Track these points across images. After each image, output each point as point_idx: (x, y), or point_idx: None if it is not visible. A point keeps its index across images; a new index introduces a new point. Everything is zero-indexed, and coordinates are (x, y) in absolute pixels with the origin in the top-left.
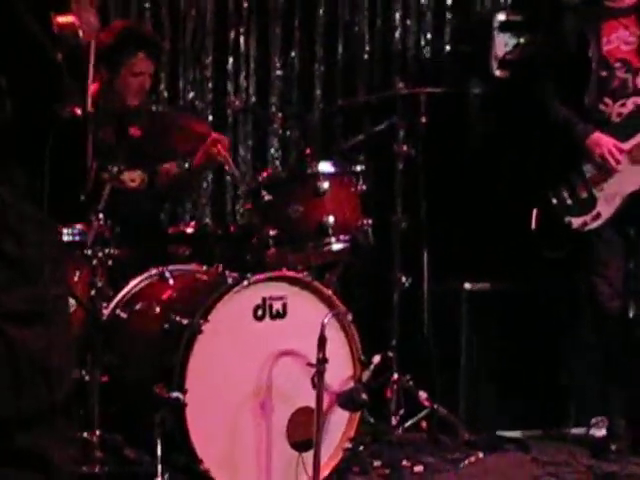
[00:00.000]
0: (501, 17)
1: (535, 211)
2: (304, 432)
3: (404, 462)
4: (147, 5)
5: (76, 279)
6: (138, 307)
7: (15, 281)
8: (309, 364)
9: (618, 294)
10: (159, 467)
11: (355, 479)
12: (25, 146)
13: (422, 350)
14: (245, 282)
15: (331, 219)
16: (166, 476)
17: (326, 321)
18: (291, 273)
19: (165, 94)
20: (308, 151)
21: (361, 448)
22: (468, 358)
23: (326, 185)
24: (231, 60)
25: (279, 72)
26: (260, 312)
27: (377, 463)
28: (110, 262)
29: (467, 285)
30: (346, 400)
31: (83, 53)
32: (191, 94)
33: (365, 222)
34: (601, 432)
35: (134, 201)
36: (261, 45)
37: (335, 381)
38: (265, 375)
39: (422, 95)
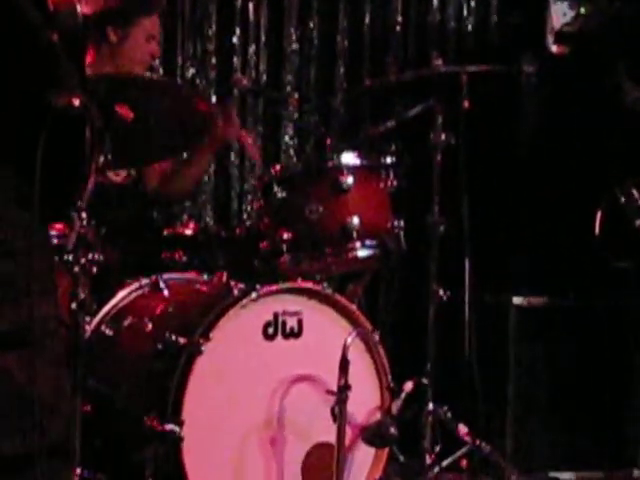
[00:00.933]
0: None
1: (599, 213)
2: (322, 472)
3: None
4: None
5: None
6: (127, 323)
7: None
8: (328, 392)
9: None
10: None
11: None
12: (13, 141)
13: (462, 376)
14: (253, 294)
15: (356, 220)
16: None
17: (349, 341)
18: (308, 284)
19: (160, 70)
20: (329, 140)
21: None
22: (516, 386)
23: (350, 180)
24: (238, 31)
25: (295, 46)
26: (271, 330)
27: None
28: (94, 269)
29: (516, 299)
30: (372, 435)
31: (82, 31)
32: (191, 71)
33: (396, 224)
34: None
35: (121, 197)
36: (274, 13)
37: (359, 412)
38: (277, 404)
39: (464, 74)
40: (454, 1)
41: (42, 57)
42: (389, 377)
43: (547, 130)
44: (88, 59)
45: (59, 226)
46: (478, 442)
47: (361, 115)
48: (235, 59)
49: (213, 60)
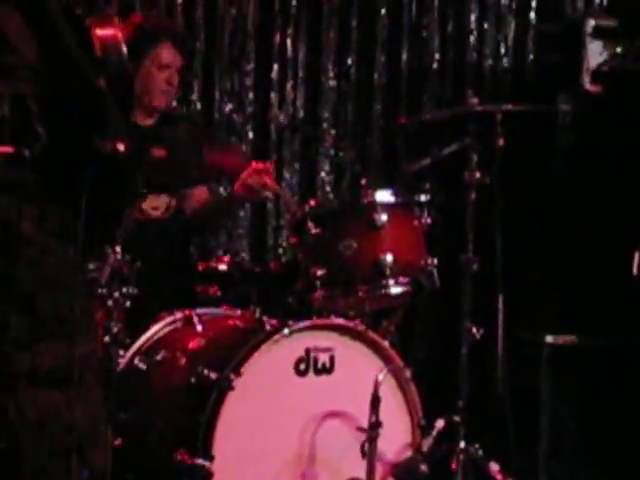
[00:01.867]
0: (594, 22)
1: (638, 253)
2: None
3: None
4: (179, 1)
5: None
6: (160, 357)
7: (41, 335)
8: (359, 428)
9: None
10: None
11: None
12: (59, 182)
13: (495, 414)
14: (286, 330)
15: (389, 258)
16: None
17: (381, 378)
18: (340, 321)
19: (198, 105)
20: (364, 177)
21: None
22: (550, 424)
23: (384, 217)
24: (276, 67)
25: (332, 83)
26: (303, 366)
27: None
28: (128, 303)
29: (549, 338)
30: (403, 472)
31: (128, 74)
32: (228, 106)
33: (430, 262)
34: None
35: (157, 232)
36: (312, 50)
37: (390, 449)
38: (307, 440)
39: (500, 113)
40: (491, 40)
41: (90, 102)
42: (420, 414)
43: (582, 168)
44: None
45: (94, 260)
46: None
47: (396, 152)
48: (272, 95)
49: (250, 95)
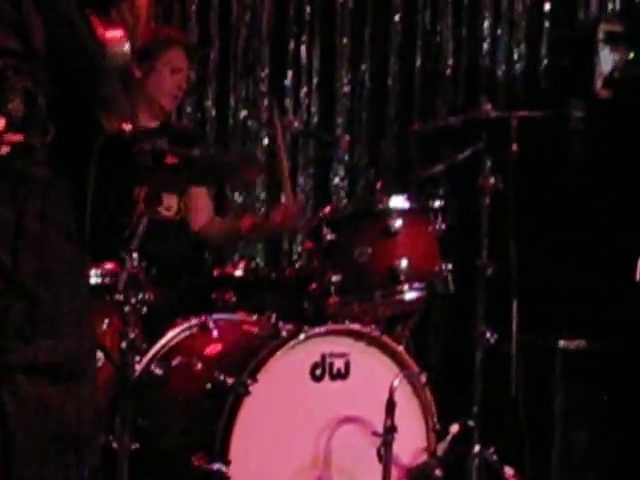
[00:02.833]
0: (607, 28)
1: None
2: None
3: None
4: (193, 8)
5: (104, 328)
6: (176, 363)
7: (42, 330)
8: (375, 433)
9: None
10: None
11: None
12: (66, 177)
13: (509, 418)
14: (302, 336)
15: (404, 263)
16: None
17: (396, 383)
18: (356, 326)
19: (212, 112)
20: (378, 183)
21: None
22: (564, 428)
23: (399, 223)
24: (290, 74)
25: (346, 89)
26: (319, 371)
27: None
28: (144, 309)
29: (562, 342)
30: (418, 476)
31: (130, 71)
32: (243, 113)
33: (444, 267)
34: None
35: (172, 235)
36: (326, 57)
37: (405, 453)
38: (323, 445)
39: (513, 119)
40: (504, 46)
41: (94, 80)
42: (435, 419)
43: (595, 174)
44: None
45: (110, 266)
46: None
47: (410, 158)
48: (287, 101)
49: (265, 102)
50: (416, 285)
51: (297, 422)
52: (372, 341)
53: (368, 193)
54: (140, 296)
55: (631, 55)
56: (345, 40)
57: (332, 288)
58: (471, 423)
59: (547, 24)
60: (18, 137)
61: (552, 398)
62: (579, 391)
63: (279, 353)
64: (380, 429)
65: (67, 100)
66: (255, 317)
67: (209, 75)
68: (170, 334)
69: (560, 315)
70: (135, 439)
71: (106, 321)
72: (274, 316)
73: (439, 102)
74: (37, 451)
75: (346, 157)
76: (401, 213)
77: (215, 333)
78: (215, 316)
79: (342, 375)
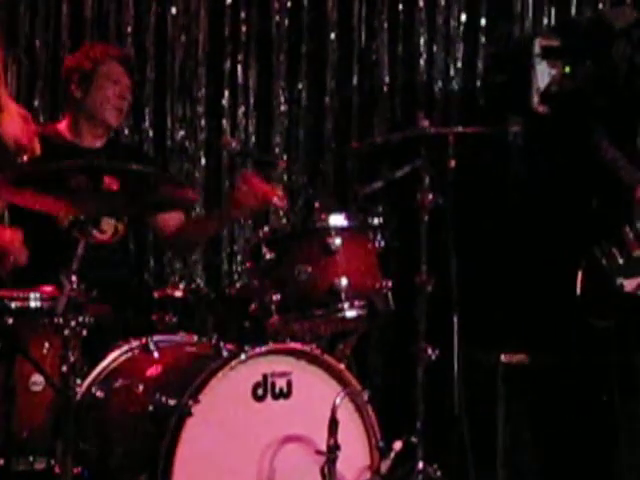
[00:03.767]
0: (544, 42)
1: (580, 272)
2: None
3: None
4: (129, 29)
5: (45, 352)
6: (117, 385)
7: None
8: (318, 452)
9: None
10: None
11: None
12: None
13: (452, 434)
14: (243, 356)
15: (344, 281)
16: None
17: (338, 401)
18: (297, 345)
19: (150, 133)
20: (317, 202)
21: None
22: (507, 443)
23: (338, 242)
24: (227, 94)
25: (283, 108)
26: (260, 391)
27: None
28: (85, 332)
29: (504, 357)
30: None
31: None
32: (180, 133)
33: (384, 284)
34: None
35: (108, 259)
36: (262, 76)
37: (349, 472)
38: (267, 465)
39: (451, 135)
40: (440, 62)
41: None
42: (378, 436)
43: (533, 190)
44: (64, 123)
45: (49, 289)
46: None
47: (349, 176)
48: (224, 121)
49: (202, 122)
50: (356, 303)
51: (240, 442)
52: (313, 360)
53: (307, 212)
54: (80, 319)
55: (567, 69)
56: (281, 59)
57: (272, 307)
58: (414, 440)
59: (483, 40)
60: None
61: (495, 413)
62: (522, 406)
63: (220, 373)
64: (323, 447)
65: None
66: (196, 338)
67: (146, 95)
68: (111, 356)
69: (501, 330)
70: (77, 463)
71: (46, 345)
72: (215, 336)
73: (376, 119)
74: None
75: (284, 176)
76: (340, 231)
77: (156, 355)
78: (156, 338)
79: (284, 394)
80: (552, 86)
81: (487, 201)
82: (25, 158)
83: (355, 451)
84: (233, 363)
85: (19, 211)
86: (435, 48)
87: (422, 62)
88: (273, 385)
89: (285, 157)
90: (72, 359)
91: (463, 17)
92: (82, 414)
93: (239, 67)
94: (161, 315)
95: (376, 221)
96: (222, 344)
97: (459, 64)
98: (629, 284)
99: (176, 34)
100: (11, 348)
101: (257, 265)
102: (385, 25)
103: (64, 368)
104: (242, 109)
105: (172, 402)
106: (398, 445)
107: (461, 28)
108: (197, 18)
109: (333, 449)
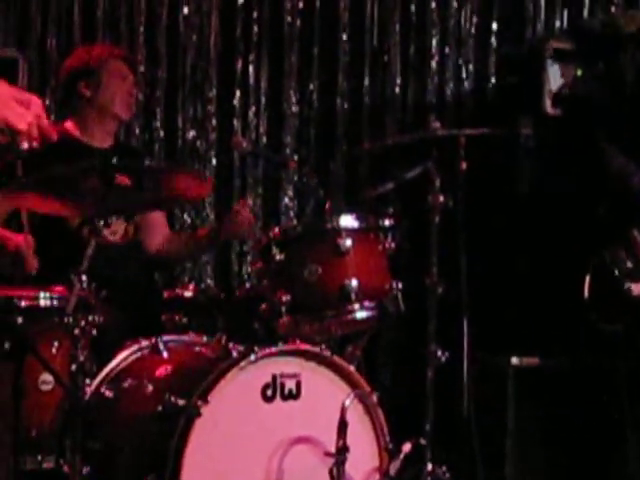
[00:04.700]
0: (556, 44)
1: (588, 276)
2: None
3: None
4: (141, 29)
5: (54, 352)
6: (126, 385)
7: None
8: (327, 453)
9: None
10: None
11: None
12: None
13: (461, 436)
14: (252, 357)
15: (354, 282)
16: None
17: (347, 403)
18: (306, 346)
19: (161, 133)
20: (328, 202)
21: None
22: (516, 446)
23: (349, 243)
24: (238, 94)
25: (295, 108)
26: (270, 392)
27: None
28: (94, 332)
29: (514, 360)
30: None
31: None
32: (191, 133)
33: (394, 286)
34: None
35: (118, 260)
36: (274, 76)
37: (358, 473)
38: (275, 466)
39: (462, 137)
40: (452, 64)
41: None
42: (387, 438)
43: (544, 192)
44: (70, 124)
45: (59, 289)
46: None
47: (360, 177)
48: (235, 121)
49: (213, 122)
50: (367, 304)
51: (249, 443)
52: (323, 361)
53: (317, 213)
54: (89, 318)
55: (579, 72)
56: (293, 59)
57: (282, 308)
58: (423, 442)
59: (495, 42)
60: None
61: (504, 416)
62: (531, 408)
63: (230, 374)
64: (332, 449)
65: None
66: (205, 338)
67: (157, 96)
68: (120, 356)
69: (511, 332)
70: (86, 462)
71: (55, 344)
72: (224, 337)
73: (388, 121)
74: None
75: (295, 177)
76: (351, 232)
77: (165, 355)
78: (165, 338)
79: (293, 395)
80: (564, 89)
81: (498, 203)
82: (25, 145)
83: (364, 453)
84: (242, 364)
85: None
86: (447, 50)
87: (434, 64)
88: (282, 386)
89: (296, 158)
90: (81, 358)
91: (475, 19)
92: (91, 414)
93: (250, 67)
94: (171, 315)
95: (387, 222)
96: (231, 345)
97: (471, 66)
98: (637, 288)
99: (188, 34)
100: (21, 347)
101: (267, 266)
102: (397, 26)
103: (73, 367)
104: (253, 109)
105: (181, 402)
106: (407, 447)
107: (473, 30)
108: (209, 18)
109: (342, 451)
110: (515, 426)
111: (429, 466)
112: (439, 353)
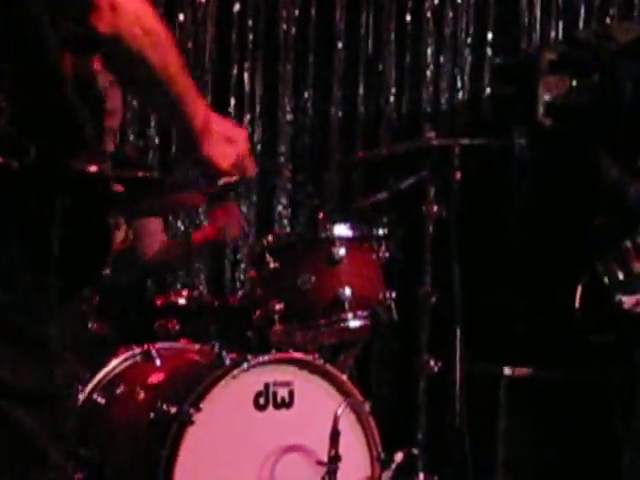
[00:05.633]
0: (551, 55)
1: (579, 287)
2: None
3: None
4: None
5: None
6: (119, 392)
7: (24, 357)
8: (319, 462)
9: None
10: None
11: None
12: (30, 212)
13: (453, 446)
14: (245, 365)
15: (347, 291)
16: None
17: (340, 412)
18: (299, 355)
19: (156, 140)
20: (321, 211)
21: None
22: (508, 456)
23: (342, 252)
24: (233, 101)
25: (289, 117)
26: (262, 400)
27: None
28: (87, 338)
29: (506, 370)
30: None
31: (102, 104)
32: None
33: (387, 295)
34: None
35: (117, 265)
36: (269, 85)
37: None
38: (267, 474)
39: (456, 147)
40: (447, 73)
41: (62, 116)
42: (379, 448)
43: (538, 203)
44: None
45: None
46: None
47: (354, 186)
48: None
49: None
50: (360, 313)
51: (241, 451)
52: (316, 370)
53: (311, 221)
54: (82, 323)
55: (574, 82)
56: (288, 67)
57: (275, 316)
58: (415, 451)
59: (490, 52)
60: None
61: (496, 425)
62: (523, 419)
63: (222, 382)
64: (324, 458)
65: (37, 133)
66: (198, 346)
67: None
68: (113, 363)
69: (504, 343)
70: (78, 469)
71: None
72: (217, 345)
73: (382, 130)
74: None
75: (289, 185)
76: (344, 241)
77: (158, 362)
78: (158, 345)
79: (286, 404)
80: (559, 99)
81: (492, 213)
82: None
83: (356, 462)
84: (235, 372)
85: None
86: (442, 59)
87: (429, 73)
88: (275, 394)
89: (290, 166)
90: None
91: (471, 28)
92: (83, 420)
93: (245, 75)
94: (163, 322)
95: (380, 232)
96: (224, 352)
97: (466, 76)
98: (628, 301)
99: (182, 41)
100: None
101: (260, 274)
102: (392, 35)
103: None
104: (248, 117)
105: (173, 410)
106: (399, 456)
107: (468, 39)
108: (204, 26)
109: (334, 460)
110: (507, 436)
111: (421, 476)
112: (431, 363)
